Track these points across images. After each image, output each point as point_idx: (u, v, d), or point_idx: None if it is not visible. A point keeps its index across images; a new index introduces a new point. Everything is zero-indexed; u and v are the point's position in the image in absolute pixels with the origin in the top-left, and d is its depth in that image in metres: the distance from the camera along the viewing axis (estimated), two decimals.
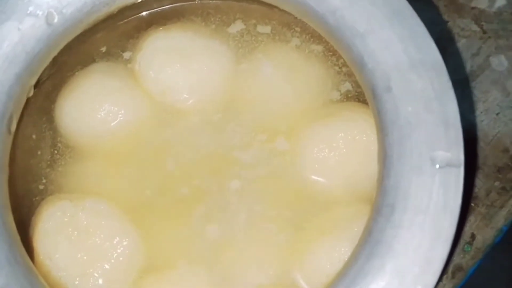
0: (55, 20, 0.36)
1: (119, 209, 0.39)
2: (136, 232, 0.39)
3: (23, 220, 0.38)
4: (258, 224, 0.38)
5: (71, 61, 0.41)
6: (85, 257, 0.37)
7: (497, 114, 0.44)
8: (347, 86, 0.40)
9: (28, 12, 0.35)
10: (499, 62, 0.45)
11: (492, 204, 0.42)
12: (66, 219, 0.38)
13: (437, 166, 0.30)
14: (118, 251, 0.38)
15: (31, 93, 0.38)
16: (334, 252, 0.36)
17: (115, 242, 0.38)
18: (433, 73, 0.31)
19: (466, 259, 0.40)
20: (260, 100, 0.41)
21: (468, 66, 0.45)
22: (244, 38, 0.42)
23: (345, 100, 0.40)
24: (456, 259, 0.40)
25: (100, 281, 0.37)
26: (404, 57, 0.31)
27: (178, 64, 0.40)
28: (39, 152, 0.40)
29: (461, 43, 0.45)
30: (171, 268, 0.38)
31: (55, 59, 0.39)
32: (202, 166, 0.40)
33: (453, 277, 0.40)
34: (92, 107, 0.40)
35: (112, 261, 0.37)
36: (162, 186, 0.40)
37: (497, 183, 0.43)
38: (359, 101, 0.40)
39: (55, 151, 0.41)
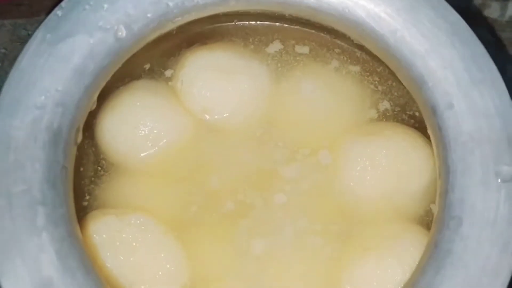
0: (123, 35, 0.36)
1: (164, 225, 0.39)
2: (181, 247, 0.39)
3: None
4: (304, 238, 0.39)
5: (114, 77, 0.40)
6: (130, 272, 0.37)
7: None
8: (385, 104, 0.42)
9: (99, 26, 0.36)
10: None
11: None
12: (112, 234, 0.37)
13: (501, 180, 0.31)
14: (164, 267, 0.37)
15: (94, 107, 0.38)
16: (380, 269, 0.36)
17: (161, 256, 0.38)
18: (494, 91, 0.33)
19: None
20: (300, 117, 0.42)
21: None
22: (283, 57, 0.43)
23: (383, 118, 0.41)
24: None
25: None
26: (465, 75, 0.33)
27: (220, 82, 0.41)
28: (81, 169, 0.40)
29: None
30: (216, 284, 0.39)
31: None
32: (246, 182, 0.40)
33: None
34: (134, 125, 0.40)
35: (157, 277, 0.37)
36: (206, 202, 0.40)
37: None
38: (397, 120, 0.41)
39: (99, 168, 0.40)
